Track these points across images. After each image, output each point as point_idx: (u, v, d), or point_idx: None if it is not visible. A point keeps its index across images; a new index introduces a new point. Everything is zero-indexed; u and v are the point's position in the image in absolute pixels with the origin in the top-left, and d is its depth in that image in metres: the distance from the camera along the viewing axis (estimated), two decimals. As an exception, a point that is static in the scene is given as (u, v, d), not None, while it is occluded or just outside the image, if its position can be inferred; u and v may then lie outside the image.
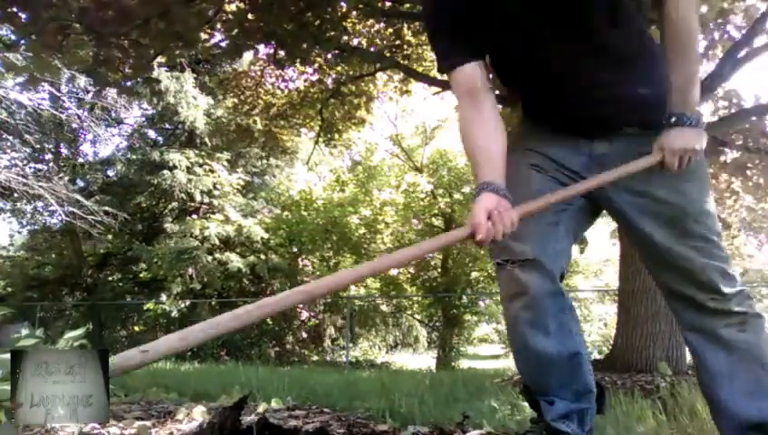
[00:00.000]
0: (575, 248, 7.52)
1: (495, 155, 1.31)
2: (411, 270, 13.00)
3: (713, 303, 1.38)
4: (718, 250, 1.39)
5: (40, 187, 11.54)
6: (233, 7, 5.52)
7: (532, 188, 1.38)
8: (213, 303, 12.45)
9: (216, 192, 12.92)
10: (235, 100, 8.72)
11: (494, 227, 1.19)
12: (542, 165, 1.44)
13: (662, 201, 1.37)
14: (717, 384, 1.37)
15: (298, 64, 6.61)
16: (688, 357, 4.44)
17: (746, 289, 1.43)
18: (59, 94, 11.74)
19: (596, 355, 9.31)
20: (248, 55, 7.40)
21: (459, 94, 1.37)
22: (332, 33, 5.54)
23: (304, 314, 13.98)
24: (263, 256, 12.94)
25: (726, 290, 1.37)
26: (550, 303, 1.40)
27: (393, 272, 13.12)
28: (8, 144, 12.90)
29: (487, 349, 20.87)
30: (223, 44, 5.81)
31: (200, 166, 12.78)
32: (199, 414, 2.02)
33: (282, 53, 5.93)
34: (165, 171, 12.40)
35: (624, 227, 1.47)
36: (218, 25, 5.42)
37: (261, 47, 6.11)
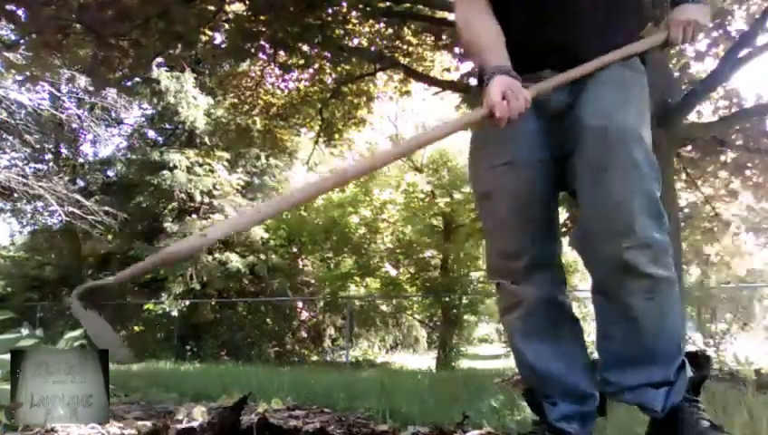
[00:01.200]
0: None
1: (498, 41, 1.38)
2: (411, 270, 13.00)
3: (627, 254, 1.23)
4: (650, 186, 1.25)
5: (40, 187, 11.54)
6: (233, 8, 5.52)
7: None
8: (213, 303, 12.45)
9: (215, 192, 12.92)
10: (235, 100, 8.71)
11: (509, 105, 1.25)
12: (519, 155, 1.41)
13: (590, 128, 1.29)
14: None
15: (299, 64, 6.61)
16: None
17: (667, 242, 1.27)
18: (59, 94, 11.74)
19: (596, 355, 9.30)
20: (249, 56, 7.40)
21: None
22: (333, 34, 5.54)
23: (304, 314, 13.98)
24: (263, 256, 12.94)
25: (649, 235, 1.23)
26: (546, 311, 1.41)
27: (393, 272, 13.12)
28: (8, 144, 12.90)
29: (487, 349, 20.85)
30: (224, 46, 5.80)
31: (200, 166, 12.77)
32: (199, 414, 2.02)
33: (282, 53, 5.93)
34: (165, 171, 12.39)
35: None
36: (219, 26, 5.42)
37: (262, 50, 6.11)
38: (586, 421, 1.41)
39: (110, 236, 14.28)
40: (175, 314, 11.80)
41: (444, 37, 6.31)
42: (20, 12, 3.74)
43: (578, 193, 1.33)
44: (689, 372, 1.31)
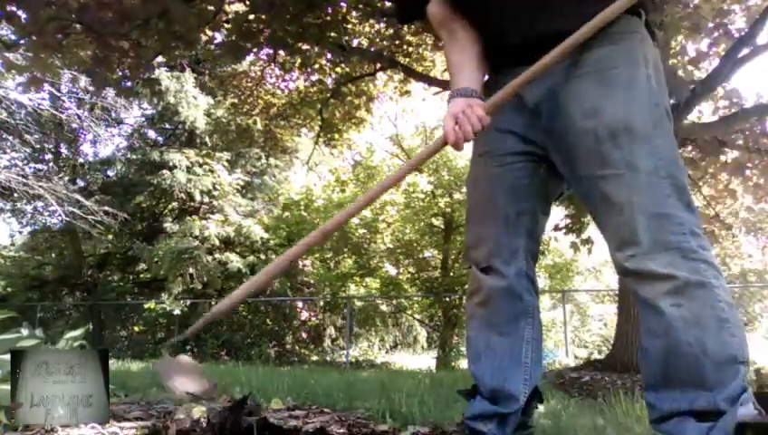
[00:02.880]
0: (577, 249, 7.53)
1: (468, 65, 1.37)
2: (411, 270, 13.00)
3: (631, 262, 1.15)
4: (653, 186, 1.13)
5: (40, 187, 11.53)
6: (233, 8, 5.52)
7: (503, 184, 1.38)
8: (213, 303, 12.44)
9: (215, 192, 12.92)
10: (236, 100, 8.72)
11: (461, 129, 1.25)
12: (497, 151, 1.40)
13: (577, 130, 1.22)
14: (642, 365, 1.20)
15: (299, 64, 6.61)
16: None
17: (691, 245, 1.12)
18: (59, 94, 11.74)
19: (596, 355, 9.31)
20: (248, 56, 7.40)
21: (436, 28, 1.48)
22: (333, 34, 5.53)
23: (304, 314, 13.98)
24: (263, 256, 12.93)
25: (660, 240, 1.11)
26: (504, 303, 1.37)
27: (393, 272, 13.11)
28: (8, 144, 12.89)
29: (487, 349, 20.83)
30: (224, 46, 5.80)
31: (200, 166, 12.77)
32: (199, 414, 2.02)
33: (282, 53, 5.93)
34: (165, 171, 12.39)
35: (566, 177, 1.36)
36: (220, 26, 5.42)
37: (262, 49, 6.11)
38: (505, 423, 1.34)
39: (110, 236, 14.28)
40: (177, 312, 11.78)
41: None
42: (20, 12, 3.74)
43: (583, 200, 1.30)
44: (751, 410, 1.05)
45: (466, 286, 1.47)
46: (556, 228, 7.37)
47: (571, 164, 1.27)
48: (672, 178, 1.15)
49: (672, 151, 1.19)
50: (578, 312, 13.83)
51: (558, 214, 7.62)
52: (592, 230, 6.79)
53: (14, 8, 3.75)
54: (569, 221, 7.22)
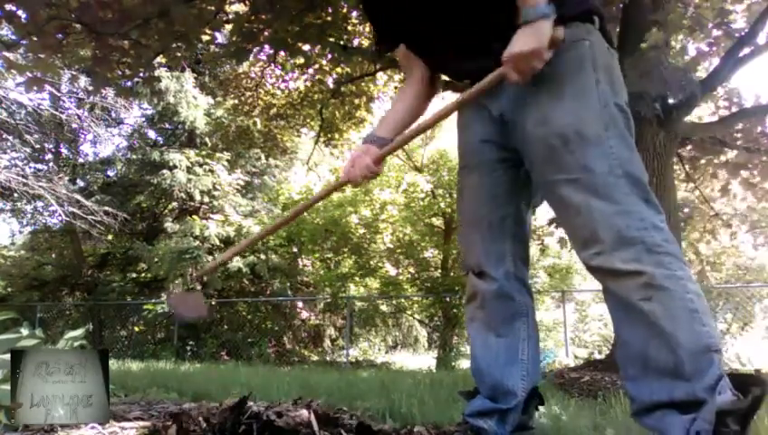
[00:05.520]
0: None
1: (392, 114, 1.55)
2: (411, 270, 12.99)
3: (596, 260, 1.18)
4: (609, 186, 1.16)
5: (40, 187, 11.53)
6: (234, 8, 5.52)
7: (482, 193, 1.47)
8: (213, 303, 12.44)
9: (215, 192, 12.92)
10: (236, 101, 8.72)
11: (352, 172, 1.46)
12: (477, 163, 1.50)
13: (532, 139, 1.27)
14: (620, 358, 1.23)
15: (299, 64, 6.61)
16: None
17: (655, 239, 1.13)
18: (59, 94, 11.74)
19: (596, 355, 9.30)
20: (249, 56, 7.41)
21: (401, 65, 1.64)
22: (333, 35, 5.54)
23: (304, 314, 13.98)
24: (263, 256, 12.94)
25: (623, 236, 1.13)
26: (497, 305, 1.44)
27: (393, 272, 13.11)
28: (8, 144, 12.89)
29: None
30: (224, 46, 5.80)
31: (200, 166, 12.77)
32: (199, 414, 2.01)
33: (282, 53, 5.93)
34: (165, 171, 12.39)
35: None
36: (220, 27, 5.41)
37: (263, 49, 6.11)
38: (505, 419, 1.38)
39: (110, 236, 14.28)
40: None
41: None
42: (20, 12, 3.74)
43: (548, 203, 1.37)
44: (729, 396, 1.07)
45: (466, 288, 1.53)
46: (551, 223, 7.41)
47: (532, 169, 1.34)
48: (628, 175, 1.18)
49: (627, 149, 1.21)
50: (578, 312, 13.81)
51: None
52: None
53: (13, 8, 3.75)
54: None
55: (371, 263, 12.94)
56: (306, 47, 5.67)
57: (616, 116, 1.23)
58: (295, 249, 13.92)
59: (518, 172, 1.43)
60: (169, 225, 12.69)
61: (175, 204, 13.61)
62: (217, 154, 13.01)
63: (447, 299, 11.75)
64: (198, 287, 1.73)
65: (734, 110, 6.25)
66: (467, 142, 1.50)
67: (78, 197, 12.13)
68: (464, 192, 1.52)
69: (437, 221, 12.70)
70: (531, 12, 1.17)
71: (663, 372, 1.12)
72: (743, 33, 4.76)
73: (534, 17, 1.17)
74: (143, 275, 13.92)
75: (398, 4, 1.45)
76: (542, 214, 8.25)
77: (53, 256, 15.67)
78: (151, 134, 15.15)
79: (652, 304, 1.12)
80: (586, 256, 1.21)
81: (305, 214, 13.48)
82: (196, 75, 12.81)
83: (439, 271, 12.51)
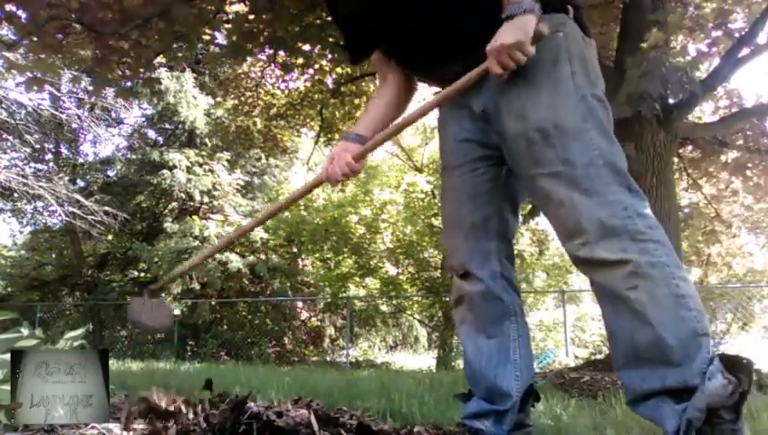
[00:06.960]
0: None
1: (369, 114, 1.54)
2: (411, 270, 12.99)
3: (582, 251, 1.18)
4: (591, 178, 1.16)
5: (40, 187, 11.53)
6: (234, 8, 5.51)
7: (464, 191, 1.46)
8: (213, 303, 12.44)
9: (215, 192, 12.92)
10: (236, 100, 8.72)
11: (332, 170, 1.44)
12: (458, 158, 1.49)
13: (512, 134, 1.27)
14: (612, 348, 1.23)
15: (299, 64, 6.60)
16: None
17: (639, 227, 1.14)
18: (59, 94, 11.73)
19: (596, 355, 9.30)
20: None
21: (376, 71, 1.66)
22: (333, 35, 5.53)
23: (304, 314, 13.98)
24: (263, 256, 12.93)
25: (607, 226, 1.13)
26: (485, 306, 1.43)
27: (393, 272, 13.11)
28: (8, 144, 12.89)
29: (487, 349, 20.80)
30: (224, 46, 5.80)
31: (200, 166, 12.77)
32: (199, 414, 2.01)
33: (282, 53, 5.92)
34: (165, 171, 12.39)
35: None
36: (220, 26, 5.41)
37: (263, 49, 6.11)
38: (502, 420, 1.38)
39: (110, 236, 14.28)
40: (177, 312, 11.79)
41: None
42: (20, 12, 3.74)
43: (532, 197, 1.38)
44: (720, 382, 1.05)
45: (452, 291, 1.53)
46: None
47: (514, 164, 1.33)
48: (610, 165, 1.19)
49: (606, 139, 1.22)
50: (578, 312, 13.81)
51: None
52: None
53: (14, 8, 3.75)
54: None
55: (371, 263, 12.94)
56: (306, 47, 5.66)
57: (594, 107, 1.24)
58: (295, 249, 13.92)
59: (500, 170, 1.43)
60: (169, 225, 12.69)
61: (175, 204, 13.60)
62: (217, 154, 13.00)
63: (447, 299, 11.75)
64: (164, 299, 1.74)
65: (734, 110, 6.25)
66: (447, 142, 1.51)
67: (78, 197, 12.13)
68: (446, 193, 1.52)
69: (437, 221, 12.69)
70: (515, 7, 1.19)
71: (653, 360, 1.12)
72: (743, 33, 4.76)
73: (519, 11, 1.18)
74: (143, 275, 13.92)
75: (372, 11, 1.45)
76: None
77: (53, 256, 15.67)
78: (151, 134, 15.15)
79: (638, 293, 1.12)
80: (571, 248, 1.21)
81: (305, 214, 13.49)
82: (196, 75, 12.81)
83: (439, 271, 12.51)
